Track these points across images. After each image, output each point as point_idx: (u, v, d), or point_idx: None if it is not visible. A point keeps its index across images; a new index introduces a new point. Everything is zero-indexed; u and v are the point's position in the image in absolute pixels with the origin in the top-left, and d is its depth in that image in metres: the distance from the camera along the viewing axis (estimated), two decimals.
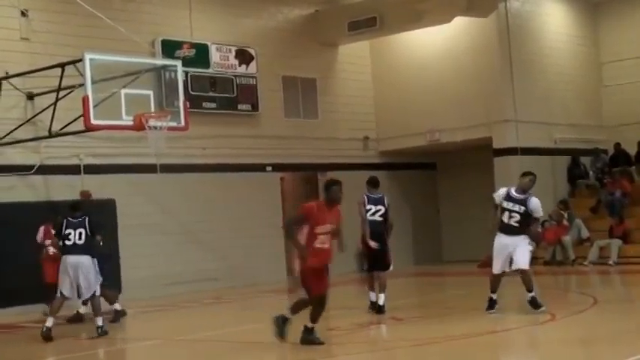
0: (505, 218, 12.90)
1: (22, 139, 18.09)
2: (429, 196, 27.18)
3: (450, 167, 27.19)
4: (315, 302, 10.81)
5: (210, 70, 22.07)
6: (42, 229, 16.31)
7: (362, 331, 12.60)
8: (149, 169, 20.36)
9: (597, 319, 13.01)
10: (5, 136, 18.00)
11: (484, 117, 23.83)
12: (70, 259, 13.26)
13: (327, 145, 24.53)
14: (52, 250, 15.62)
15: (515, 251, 12.84)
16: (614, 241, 22.29)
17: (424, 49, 25.23)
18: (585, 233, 23.18)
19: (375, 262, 14.14)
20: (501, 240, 12.98)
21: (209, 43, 22.12)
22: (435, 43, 24.97)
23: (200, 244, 21.32)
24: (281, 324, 11.01)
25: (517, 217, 12.80)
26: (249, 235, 22.44)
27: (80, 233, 13.27)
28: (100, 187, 19.42)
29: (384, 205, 14.14)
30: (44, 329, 13.02)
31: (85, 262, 13.29)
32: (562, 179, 25.38)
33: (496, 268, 13.07)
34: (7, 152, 18.40)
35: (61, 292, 13.32)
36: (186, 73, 20.19)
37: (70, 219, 13.45)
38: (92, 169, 19.58)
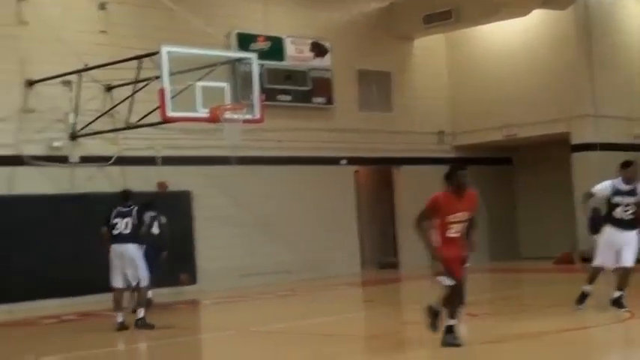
0: (617, 213, 12.48)
1: (100, 130, 18.40)
2: (505, 192, 26.85)
3: (526, 163, 26.82)
4: (453, 290, 9.96)
5: (285, 63, 22.14)
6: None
7: None
8: (224, 161, 20.50)
9: None
10: (84, 127, 18.32)
11: (562, 112, 23.47)
12: (116, 248, 13.30)
13: (401, 139, 24.41)
14: None
15: (625, 247, 12.51)
16: None
17: (501, 43, 24.93)
18: None
19: None
20: (614, 235, 12.54)
21: (284, 36, 22.19)
22: (511, 36, 24.65)
23: (274, 236, 21.41)
24: (432, 316, 10.27)
25: (632, 209, 12.48)
26: (323, 227, 22.48)
27: (127, 223, 13.27)
28: (176, 179, 19.69)
29: None
30: (117, 325, 13.09)
31: (131, 249, 13.28)
32: None
33: (599, 262, 12.73)
34: (87, 143, 18.72)
35: (112, 285, 13.37)
36: (261, 65, 20.23)
37: (120, 208, 13.47)
38: (168, 161, 19.81)
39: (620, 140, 24.03)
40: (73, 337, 12.99)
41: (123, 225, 13.27)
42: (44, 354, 11.24)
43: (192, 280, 18.81)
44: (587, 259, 22.75)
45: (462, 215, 9.88)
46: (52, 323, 15.22)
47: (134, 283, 13.50)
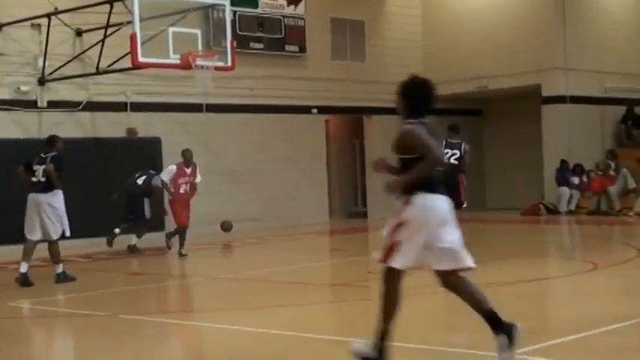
0: None
1: (70, 75, 18.26)
2: (474, 143, 26.85)
3: (496, 114, 26.92)
4: None
5: (258, 10, 22.00)
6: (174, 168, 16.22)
7: None
8: (195, 108, 20.44)
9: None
10: (54, 72, 18.16)
11: (534, 64, 23.53)
12: (30, 197, 12.67)
13: (373, 89, 24.35)
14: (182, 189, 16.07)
15: None
16: None
17: None
18: (632, 184, 22.89)
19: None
20: None
21: None
22: None
23: (244, 184, 21.45)
24: None
25: None
26: (293, 176, 22.54)
27: (43, 170, 12.57)
28: (146, 125, 19.63)
29: (460, 150, 14.93)
30: (18, 275, 12.48)
31: (43, 200, 12.53)
32: (611, 129, 25.01)
33: None
34: (56, 88, 18.58)
35: (25, 236, 12.71)
36: (234, 12, 20.15)
37: (42, 155, 12.77)
38: (139, 107, 19.72)
39: (590, 93, 24.20)
40: (41, 283, 12.95)
41: (40, 172, 12.57)
42: (9, 299, 11.25)
43: (161, 228, 18.81)
44: (552, 210, 23.10)
45: None
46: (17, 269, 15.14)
47: (54, 237, 12.61)
